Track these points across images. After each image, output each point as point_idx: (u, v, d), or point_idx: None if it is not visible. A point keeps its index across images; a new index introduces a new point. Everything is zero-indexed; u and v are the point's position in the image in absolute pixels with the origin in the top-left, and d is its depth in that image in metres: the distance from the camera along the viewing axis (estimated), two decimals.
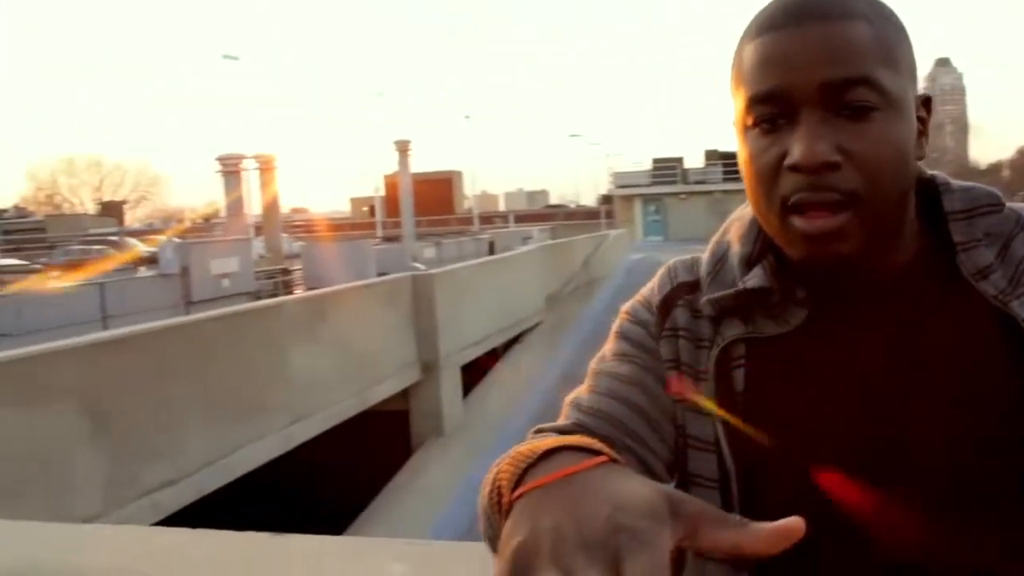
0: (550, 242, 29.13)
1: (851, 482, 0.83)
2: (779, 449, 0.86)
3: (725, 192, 48.40)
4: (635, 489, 0.56)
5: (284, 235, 31.91)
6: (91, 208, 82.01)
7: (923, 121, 0.89)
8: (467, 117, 52.22)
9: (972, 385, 0.83)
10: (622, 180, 53.07)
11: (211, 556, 1.79)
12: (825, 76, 0.81)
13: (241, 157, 27.44)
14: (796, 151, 0.82)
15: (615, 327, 1.02)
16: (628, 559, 0.51)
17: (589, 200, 70.29)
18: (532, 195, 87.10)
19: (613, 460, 0.63)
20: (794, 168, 0.82)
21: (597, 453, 0.63)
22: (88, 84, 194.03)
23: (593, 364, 0.99)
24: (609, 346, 1.00)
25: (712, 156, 52.41)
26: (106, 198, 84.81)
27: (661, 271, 1.02)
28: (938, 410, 0.83)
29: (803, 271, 0.89)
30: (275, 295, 17.35)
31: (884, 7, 0.87)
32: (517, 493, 0.62)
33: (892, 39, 0.85)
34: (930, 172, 0.94)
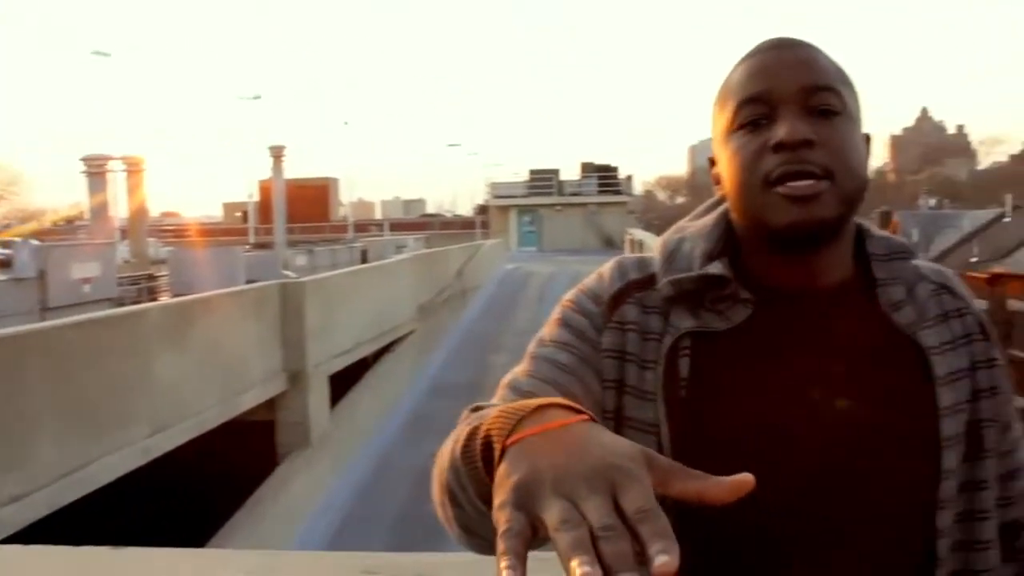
0: (424, 251, 29.13)
1: (775, 467, 0.95)
2: (712, 430, 1.00)
3: (600, 204, 49.33)
4: (619, 440, 0.68)
5: (152, 240, 30.98)
6: None
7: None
8: (346, 123, 51.27)
9: (887, 391, 1.02)
10: (499, 190, 53.42)
11: (49, 572, 1.82)
12: (802, 82, 1.02)
13: (107, 158, 26.55)
14: (780, 131, 0.99)
15: (557, 314, 1.10)
16: (624, 488, 0.61)
17: (466, 210, 70.54)
18: (409, 204, 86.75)
19: (594, 420, 0.73)
20: (778, 146, 0.99)
21: (580, 413, 0.72)
22: None
23: (532, 347, 1.07)
24: (549, 332, 1.08)
25: (588, 168, 53.29)
26: None
27: (610, 266, 1.12)
28: (857, 411, 1.00)
29: (780, 242, 1.03)
30: (139, 302, 16.86)
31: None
32: (512, 439, 0.70)
33: (848, 79, 1.07)
34: (857, 220, 1.12)
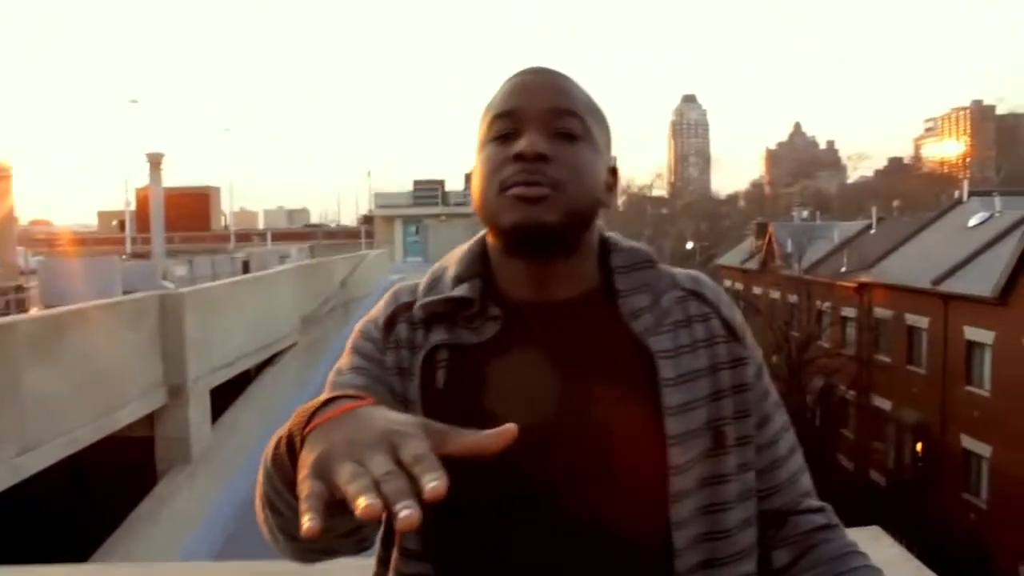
0: (307, 261, 28.78)
1: (521, 472, 1.05)
2: None
3: None
4: (399, 414, 0.84)
5: (21, 249, 29.68)
6: None
7: (610, 186, 1.21)
8: (227, 130, 50.16)
9: (620, 396, 1.11)
10: (383, 201, 53.15)
11: None
12: (550, 104, 1.15)
13: None
14: (521, 143, 1.12)
15: (350, 343, 1.22)
16: (402, 445, 0.76)
17: (351, 220, 69.87)
18: (292, 213, 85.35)
19: (378, 404, 0.88)
20: (517, 157, 1.11)
21: (365, 399, 0.88)
22: None
23: (331, 376, 1.18)
24: (344, 361, 1.20)
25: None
26: None
27: (387, 294, 1.25)
28: (593, 415, 1.09)
29: (511, 244, 1.15)
30: (6, 314, 16.17)
31: (595, 99, 1.21)
32: (309, 427, 0.85)
33: (599, 114, 1.20)
34: (606, 233, 1.24)
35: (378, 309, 1.23)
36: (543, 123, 1.13)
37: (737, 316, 1.21)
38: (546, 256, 1.15)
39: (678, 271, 1.24)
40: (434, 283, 1.21)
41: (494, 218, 1.14)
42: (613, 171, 1.22)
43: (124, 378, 11.98)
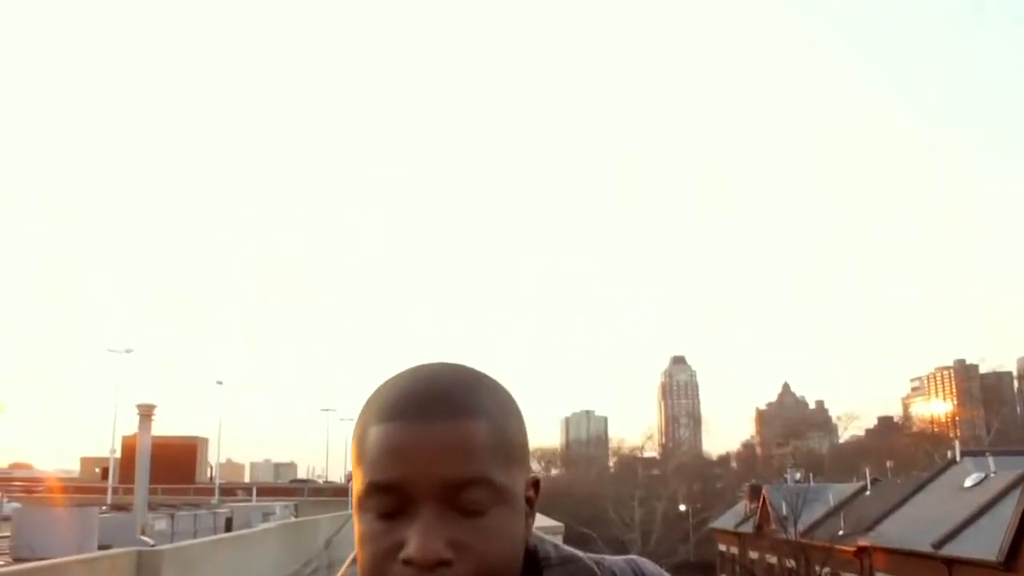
0: (292, 520, 28.11)
1: None
2: None
3: None
4: None
5: None
6: None
7: (531, 501, 0.99)
8: (219, 383, 50.86)
9: None
10: None
11: None
12: (446, 475, 0.89)
13: None
14: (412, 545, 0.87)
15: None
16: None
17: (339, 476, 68.90)
18: (279, 467, 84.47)
19: None
20: (408, 561, 0.88)
21: None
22: None
23: None
24: None
25: None
26: None
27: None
28: None
29: None
30: None
31: (504, 396, 0.99)
32: None
33: (510, 433, 0.96)
34: (534, 542, 1.03)
35: None
36: (440, 499, 0.89)
37: None
38: None
39: (616, 560, 1.08)
40: None
41: None
42: (535, 483, 1.01)
43: None
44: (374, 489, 0.91)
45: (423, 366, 0.98)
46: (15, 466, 68.49)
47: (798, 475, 51.73)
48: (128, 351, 47.16)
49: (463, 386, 0.95)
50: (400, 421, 0.92)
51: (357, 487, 0.93)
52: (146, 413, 32.02)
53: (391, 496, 0.90)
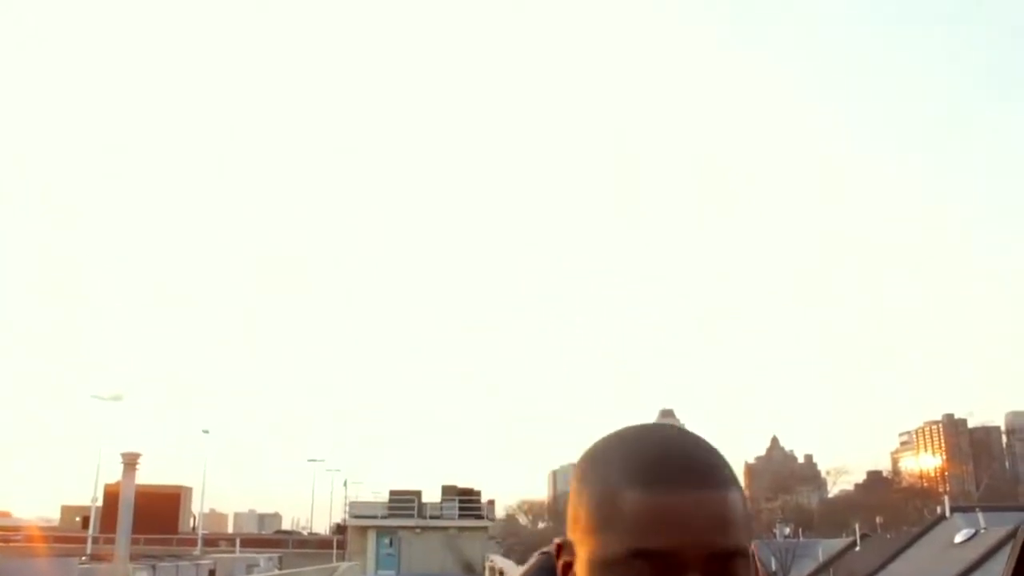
0: (277, 572, 27.72)
1: None
2: None
3: (460, 528, 48.47)
4: None
5: None
6: None
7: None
8: (206, 431, 50.54)
9: None
10: (357, 510, 51.97)
11: None
12: (715, 545, 0.90)
13: None
14: None
15: None
16: None
17: (324, 528, 68.06)
18: (264, 518, 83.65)
19: None
20: None
21: None
22: None
23: None
24: None
25: (449, 491, 52.70)
26: None
27: None
28: None
29: None
30: None
31: (731, 465, 0.98)
32: None
33: (749, 512, 0.97)
34: None
35: None
36: (705, 569, 0.89)
37: None
38: None
39: None
40: None
41: None
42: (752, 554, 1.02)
43: None
44: (639, 555, 0.90)
45: (651, 427, 0.99)
46: None
47: (787, 530, 51.41)
48: (116, 398, 46.59)
49: (713, 454, 0.95)
50: (667, 487, 0.92)
51: (607, 552, 0.92)
52: (130, 462, 31.57)
53: (657, 563, 0.90)
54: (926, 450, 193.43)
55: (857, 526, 38.07)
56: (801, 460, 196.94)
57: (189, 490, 61.98)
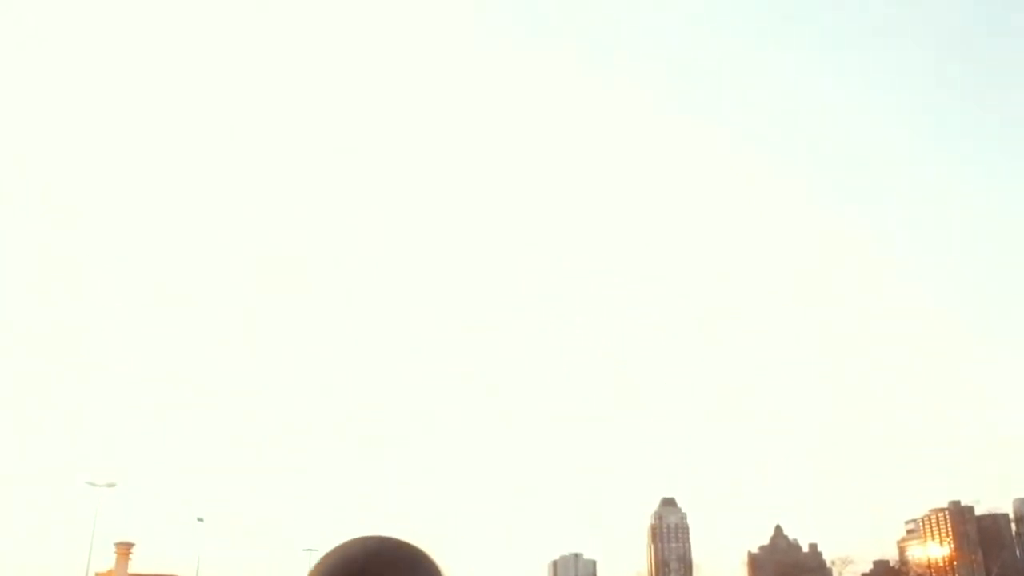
0: None
1: None
2: None
3: None
4: None
5: None
6: None
7: None
8: (200, 519, 49.91)
9: None
10: None
11: None
12: None
13: None
14: None
15: None
16: None
17: None
18: None
19: None
20: None
21: None
22: None
23: None
24: None
25: None
26: None
27: None
28: None
29: None
30: None
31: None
32: None
33: None
34: None
35: None
36: None
37: None
38: None
39: None
40: None
41: None
42: None
43: None
44: None
45: (363, 538, 0.98)
46: None
47: None
48: (111, 486, 45.87)
49: (411, 560, 0.91)
50: None
51: None
52: (123, 552, 31.07)
53: None
54: (933, 538, 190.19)
55: None
56: (806, 549, 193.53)
57: None
